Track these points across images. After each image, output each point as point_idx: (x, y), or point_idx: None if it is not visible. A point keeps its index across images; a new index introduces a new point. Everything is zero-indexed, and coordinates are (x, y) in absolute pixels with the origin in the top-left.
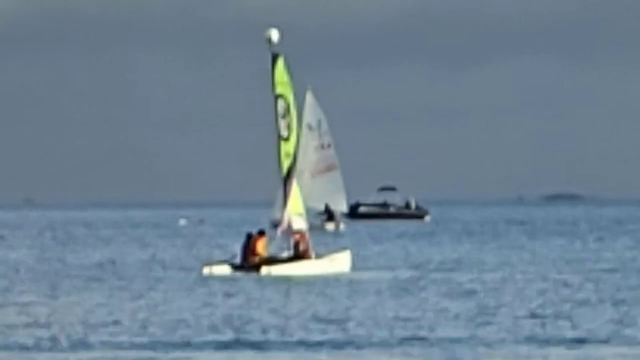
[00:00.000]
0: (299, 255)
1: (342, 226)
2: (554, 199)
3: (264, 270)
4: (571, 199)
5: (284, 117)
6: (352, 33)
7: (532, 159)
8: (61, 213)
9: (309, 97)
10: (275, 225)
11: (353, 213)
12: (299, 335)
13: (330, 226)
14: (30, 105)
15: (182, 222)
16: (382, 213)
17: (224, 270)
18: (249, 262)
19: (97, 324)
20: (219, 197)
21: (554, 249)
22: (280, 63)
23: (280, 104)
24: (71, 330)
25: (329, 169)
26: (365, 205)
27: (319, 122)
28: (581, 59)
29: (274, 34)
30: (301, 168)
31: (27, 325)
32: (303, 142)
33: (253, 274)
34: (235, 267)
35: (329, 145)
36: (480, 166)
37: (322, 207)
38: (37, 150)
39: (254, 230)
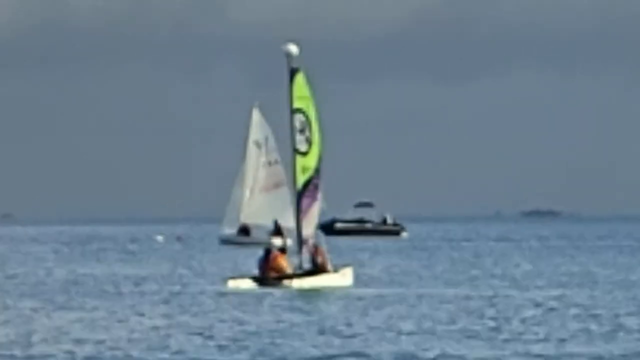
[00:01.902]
0: (318, 269)
1: (289, 242)
2: (532, 215)
3: (295, 283)
4: (549, 215)
5: (302, 131)
6: (342, 48)
7: (511, 175)
8: (39, 229)
9: (256, 114)
10: (224, 240)
11: (329, 229)
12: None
13: (277, 242)
14: (10, 119)
15: (159, 238)
16: (359, 229)
17: (247, 284)
18: (268, 276)
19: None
20: (201, 213)
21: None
22: (300, 77)
23: (299, 118)
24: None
25: (277, 185)
26: (341, 221)
27: (266, 139)
28: (561, 75)
29: (293, 48)
30: (251, 185)
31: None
32: (252, 159)
33: (274, 288)
34: (257, 281)
35: (276, 162)
36: (459, 182)
37: (270, 224)
38: (17, 164)
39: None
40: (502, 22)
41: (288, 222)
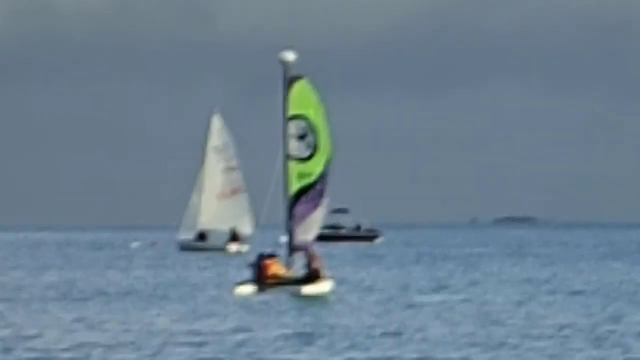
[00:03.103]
0: (314, 275)
1: (245, 248)
2: (507, 221)
3: (306, 290)
4: (524, 222)
5: (302, 137)
6: (327, 59)
7: (486, 183)
8: (14, 235)
9: (216, 121)
10: (183, 247)
11: None
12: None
13: (233, 247)
14: None
15: (135, 245)
16: (333, 235)
17: (250, 289)
18: (265, 283)
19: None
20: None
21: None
22: (301, 84)
23: (299, 125)
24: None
25: (235, 192)
26: None
27: (226, 145)
28: (539, 86)
29: (291, 56)
30: (209, 191)
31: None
32: (210, 166)
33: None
34: (258, 286)
35: (235, 169)
36: (434, 190)
37: (227, 230)
38: None
39: (266, 251)
40: (485, 34)
41: (245, 228)
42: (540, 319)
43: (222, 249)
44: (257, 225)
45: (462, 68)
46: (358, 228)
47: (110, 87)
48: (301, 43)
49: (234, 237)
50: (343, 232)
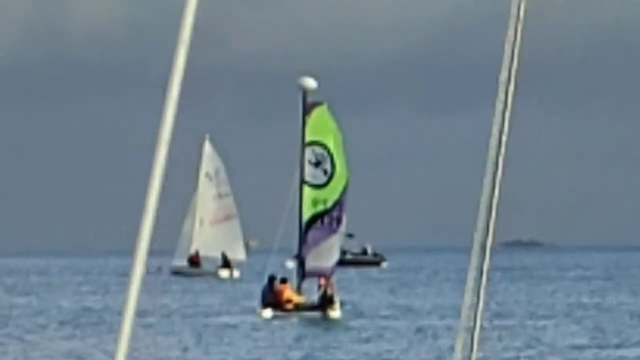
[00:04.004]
0: (328, 300)
1: (236, 273)
2: (513, 245)
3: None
4: (530, 245)
5: (317, 164)
6: (329, 80)
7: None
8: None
9: (207, 146)
10: (175, 272)
11: None
12: None
13: (224, 273)
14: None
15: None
16: (340, 260)
17: (269, 314)
18: (282, 307)
19: None
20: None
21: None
22: (319, 111)
23: (315, 150)
24: None
25: (227, 218)
26: None
27: (217, 171)
28: (545, 107)
29: (312, 83)
30: (201, 217)
31: None
32: (201, 191)
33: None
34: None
35: (226, 194)
36: (438, 213)
37: (219, 256)
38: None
39: (278, 274)
40: (492, 55)
41: (237, 254)
42: None
43: (213, 274)
44: (271, 250)
45: (471, 89)
46: (364, 252)
47: (121, 109)
48: (312, 66)
49: (226, 262)
50: (349, 256)
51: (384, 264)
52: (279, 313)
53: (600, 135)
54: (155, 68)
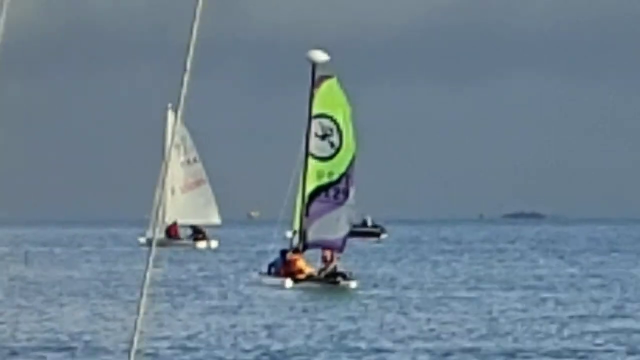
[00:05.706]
0: (333, 272)
1: (214, 243)
2: (516, 217)
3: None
4: (533, 217)
5: (324, 137)
6: (341, 52)
7: (494, 178)
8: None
9: (170, 116)
10: (149, 243)
11: None
12: None
13: (201, 245)
14: (22, 119)
15: (142, 240)
16: None
17: (289, 283)
18: (294, 278)
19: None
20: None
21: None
22: (329, 84)
23: (323, 123)
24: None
25: (198, 183)
26: None
27: (183, 139)
28: (559, 79)
29: (322, 56)
30: (172, 185)
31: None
32: (170, 160)
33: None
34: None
35: (195, 160)
36: (441, 185)
37: (193, 222)
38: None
39: (287, 247)
40: (506, 27)
41: (212, 218)
42: None
43: (190, 245)
44: (276, 220)
45: (481, 62)
46: (364, 223)
47: (140, 80)
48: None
49: (198, 233)
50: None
51: (383, 236)
52: (295, 285)
53: (613, 109)
54: (175, 37)
